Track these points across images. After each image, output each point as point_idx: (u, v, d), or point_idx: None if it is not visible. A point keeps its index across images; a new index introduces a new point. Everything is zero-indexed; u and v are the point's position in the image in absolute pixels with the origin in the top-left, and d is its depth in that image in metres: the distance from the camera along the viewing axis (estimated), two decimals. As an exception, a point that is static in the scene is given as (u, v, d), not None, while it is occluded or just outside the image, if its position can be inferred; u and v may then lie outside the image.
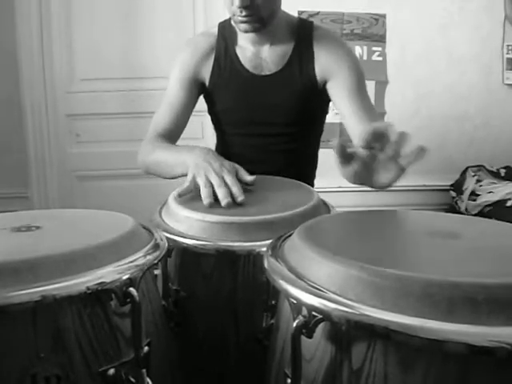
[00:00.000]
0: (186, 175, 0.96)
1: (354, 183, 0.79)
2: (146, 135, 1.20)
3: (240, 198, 0.87)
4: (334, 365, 0.53)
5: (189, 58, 1.21)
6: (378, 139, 0.72)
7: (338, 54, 1.17)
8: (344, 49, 1.20)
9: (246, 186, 0.94)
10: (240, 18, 1.08)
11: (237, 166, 0.97)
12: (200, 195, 0.89)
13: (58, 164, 2.67)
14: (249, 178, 0.95)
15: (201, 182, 0.90)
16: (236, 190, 0.88)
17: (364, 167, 0.75)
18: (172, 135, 1.20)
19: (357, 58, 1.27)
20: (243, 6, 1.05)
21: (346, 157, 0.74)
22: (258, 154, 1.25)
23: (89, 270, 0.57)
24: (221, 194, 0.87)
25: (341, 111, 1.18)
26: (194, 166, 0.94)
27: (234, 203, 0.87)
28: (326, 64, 1.16)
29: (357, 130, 1.13)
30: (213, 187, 0.89)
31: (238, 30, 1.19)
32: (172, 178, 1.09)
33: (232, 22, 1.21)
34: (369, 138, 0.72)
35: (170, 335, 0.77)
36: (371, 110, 1.18)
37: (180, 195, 0.91)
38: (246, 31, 1.11)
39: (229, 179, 0.90)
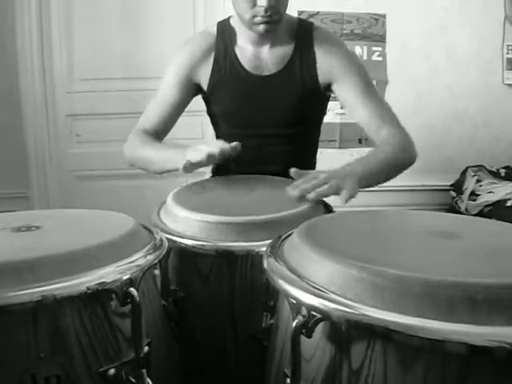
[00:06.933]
0: (175, 170, 1.01)
1: None
2: (134, 128, 1.21)
3: None
4: (333, 364, 0.53)
5: (187, 58, 1.21)
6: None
7: (340, 56, 1.17)
8: (345, 50, 1.20)
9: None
10: (262, 19, 1.08)
11: None
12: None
13: (58, 164, 2.67)
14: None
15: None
16: None
17: None
18: (158, 133, 1.21)
19: (357, 56, 1.28)
20: (270, 6, 1.05)
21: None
22: (257, 155, 1.25)
23: (89, 270, 0.57)
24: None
25: (351, 111, 1.18)
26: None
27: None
28: (328, 66, 1.16)
29: (371, 126, 1.15)
30: None
31: (237, 31, 1.19)
32: (159, 173, 1.13)
33: (232, 23, 1.21)
34: None
35: (170, 335, 0.77)
36: (381, 102, 1.19)
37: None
38: (267, 31, 1.11)
39: None
